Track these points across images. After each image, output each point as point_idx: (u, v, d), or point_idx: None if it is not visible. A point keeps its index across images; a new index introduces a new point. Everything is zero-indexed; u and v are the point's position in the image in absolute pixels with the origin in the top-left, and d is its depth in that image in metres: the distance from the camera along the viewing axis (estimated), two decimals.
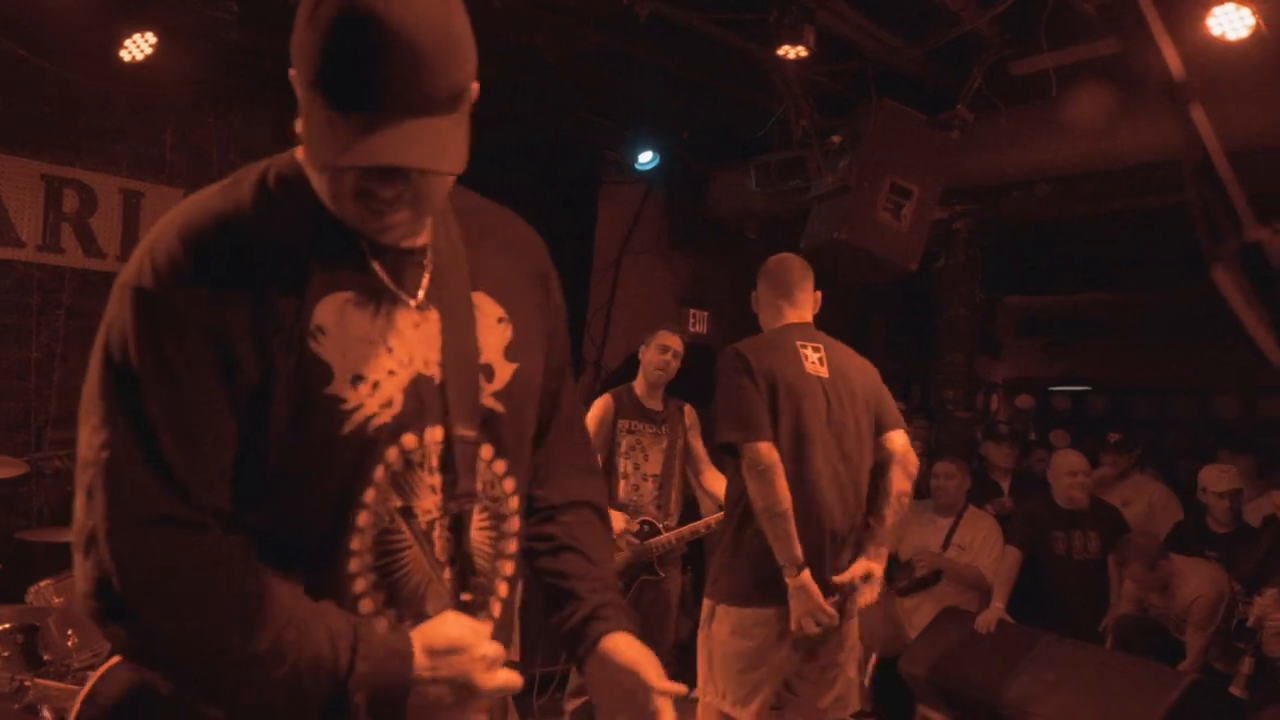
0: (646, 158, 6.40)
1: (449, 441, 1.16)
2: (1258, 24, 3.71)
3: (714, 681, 2.93)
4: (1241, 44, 3.82)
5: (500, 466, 1.23)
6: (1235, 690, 3.78)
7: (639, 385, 4.32)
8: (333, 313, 1.11)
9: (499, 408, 1.22)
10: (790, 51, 4.14)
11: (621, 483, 4.14)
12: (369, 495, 1.11)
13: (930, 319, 6.40)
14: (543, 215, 6.28)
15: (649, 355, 4.30)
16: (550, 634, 1.35)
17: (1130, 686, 3.76)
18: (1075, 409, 10.64)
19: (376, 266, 1.16)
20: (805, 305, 3.22)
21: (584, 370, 7.04)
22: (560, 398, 1.44)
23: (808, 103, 4.84)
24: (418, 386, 1.14)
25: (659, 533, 4.11)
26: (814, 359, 3.03)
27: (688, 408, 4.41)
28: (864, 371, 3.12)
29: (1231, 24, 3.75)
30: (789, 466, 2.82)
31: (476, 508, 1.19)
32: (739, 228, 6.76)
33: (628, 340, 7.22)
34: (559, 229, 6.38)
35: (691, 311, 7.63)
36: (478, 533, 1.19)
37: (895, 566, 5.12)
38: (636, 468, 4.18)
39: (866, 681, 5.04)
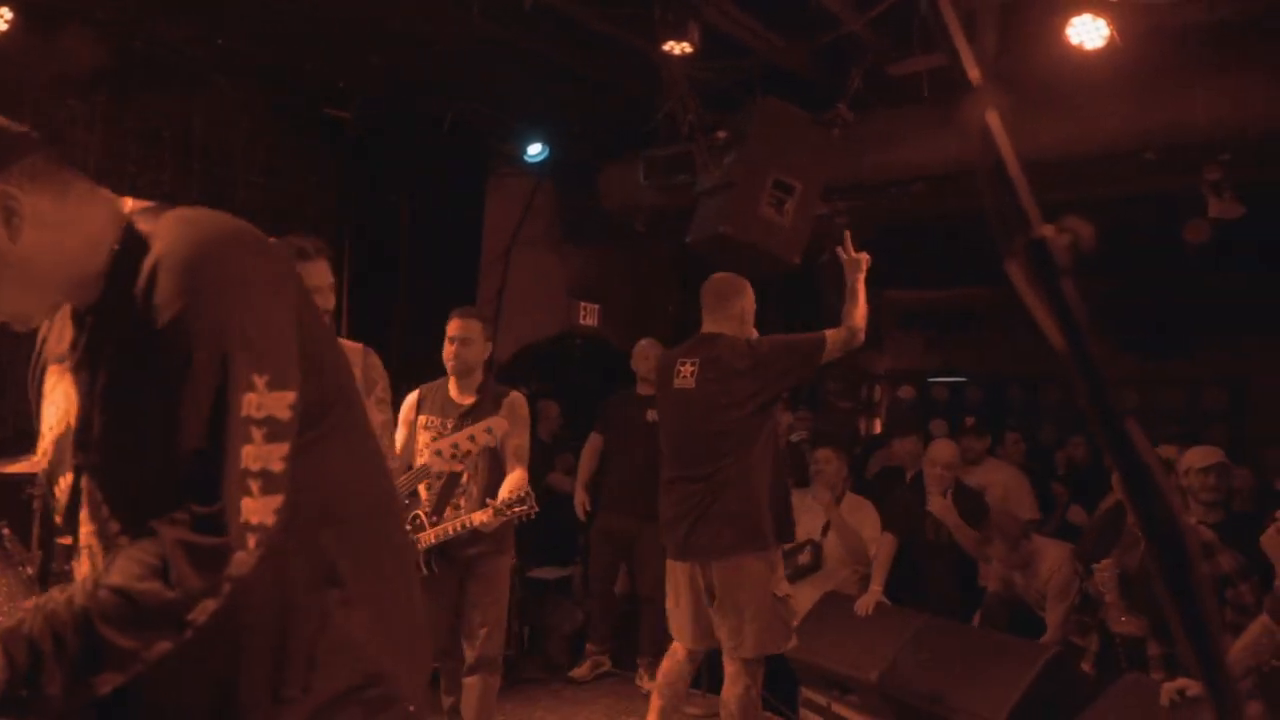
0: (536, 149, 6.38)
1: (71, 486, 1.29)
2: (1112, 34, 3.94)
3: None
4: (1098, 54, 4.05)
5: (104, 510, 1.27)
6: (1085, 666, 4.01)
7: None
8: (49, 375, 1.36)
9: (93, 458, 1.28)
10: (676, 47, 4.20)
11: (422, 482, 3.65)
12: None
13: (817, 312, 6.58)
14: (431, 205, 6.25)
15: (446, 349, 3.81)
16: None
17: (997, 662, 3.96)
18: (953, 399, 11.09)
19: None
20: (713, 320, 3.85)
21: None
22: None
23: (694, 98, 4.91)
24: (60, 440, 1.31)
25: (423, 529, 3.59)
26: (684, 373, 3.75)
27: (513, 398, 3.84)
28: (728, 387, 3.65)
29: (1088, 34, 3.97)
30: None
31: (100, 544, 1.26)
32: (629, 220, 6.81)
33: (518, 333, 7.20)
34: (447, 219, 6.38)
35: (582, 304, 7.65)
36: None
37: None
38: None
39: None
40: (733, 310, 3.78)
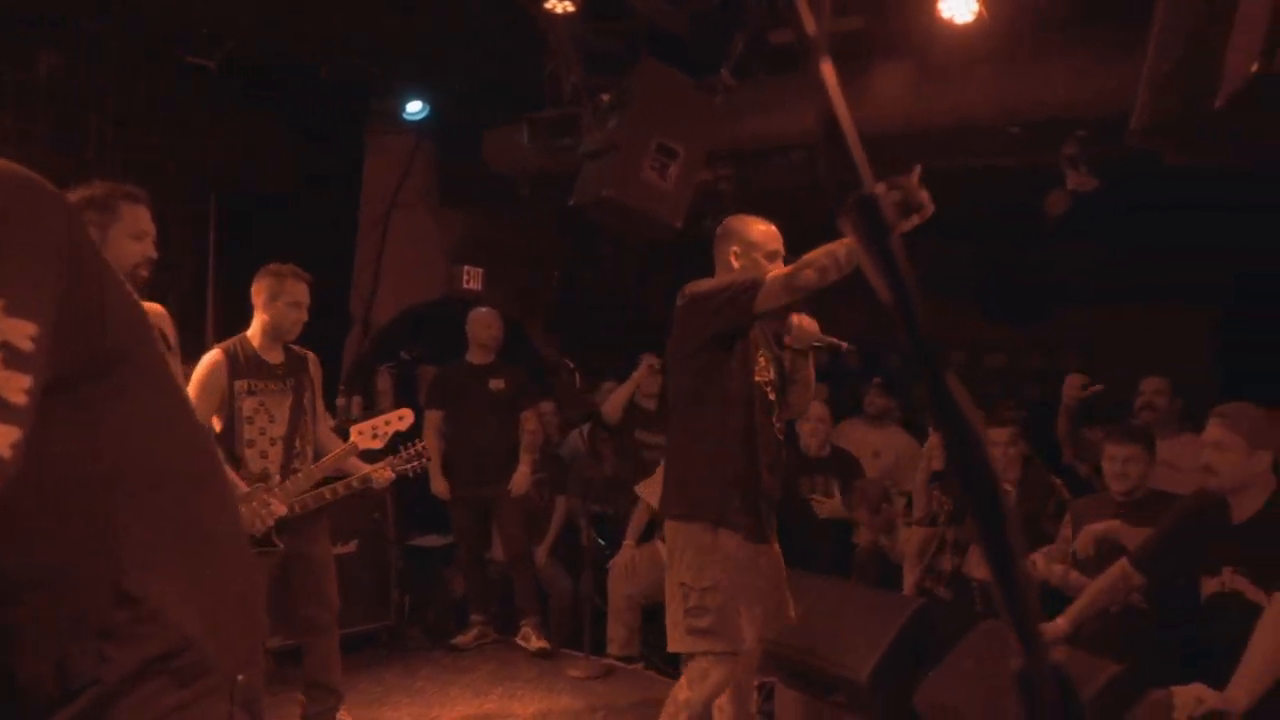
0: (415, 108, 6.22)
1: None
2: (981, 10, 4.06)
3: None
4: (968, 28, 4.18)
5: None
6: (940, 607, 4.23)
7: (257, 337, 3.83)
8: None
9: None
10: (558, 6, 4.14)
11: (248, 451, 3.72)
12: None
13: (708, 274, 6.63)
14: (304, 162, 6.02)
15: (282, 310, 3.81)
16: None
17: (867, 613, 4.11)
18: (832, 364, 11.39)
19: None
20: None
21: (352, 326, 6.80)
22: None
23: (577, 60, 4.86)
24: None
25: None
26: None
27: (312, 357, 4.00)
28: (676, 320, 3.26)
29: (958, 9, 4.09)
30: None
31: None
32: (513, 183, 6.71)
33: (397, 296, 7.05)
34: (322, 177, 6.15)
35: (465, 268, 7.52)
36: None
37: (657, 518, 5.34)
38: (263, 432, 3.75)
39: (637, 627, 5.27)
40: (722, 253, 3.22)
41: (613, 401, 5.78)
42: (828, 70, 0.60)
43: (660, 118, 4.66)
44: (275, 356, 3.85)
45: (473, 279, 7.52)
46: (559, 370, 5.43)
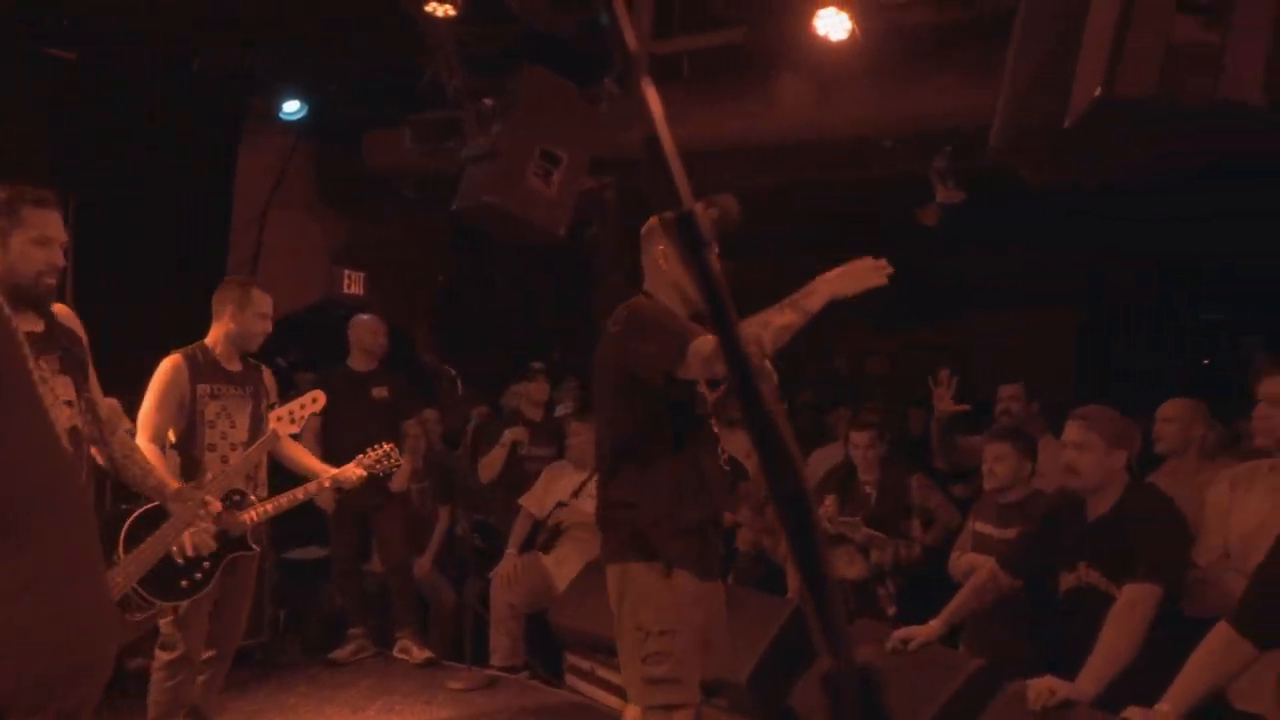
0: (293, 106, 6.05)
1: None
2: (854, 29, 4.20)
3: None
4: (842, 45, 4.31)
5: None
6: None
7: (219, 345, 3.79)
8: None
9: None
10: (439, 9, 4.09)
11: (208, 455, 3.67)
12: None
13: (586, 286, 6.67)
14: (173, 161, 5.75)
15: (249, 320, 3.80)
16: None
17: (747, 616, 4.18)
18: None
19: None
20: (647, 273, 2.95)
21: None
22: None
23: (459, 63, 4.81)
24: None
25: (250, 504, 3.64)
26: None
27: (266, 369, 4.03)
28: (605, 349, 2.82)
29: (833, 26, 4.21)
30: None
31: None
32: (396, 185, 6.59)
33: (275, 301, 6.81)
34: (193, 177, 5.92)
35: (346, 271, 7.36)
36: None
37: (539, 528, 5.32)
38: (224, 437, 3.73)
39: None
40: (650, 254, 2.91)
41: (489, 463, 5.71)
42: (648, 87, 0.61)
43: (544, 124, 4.65)
44: (235, 365, 3.83)
45: (354, 283, 7.36)
46: (441, 378, 5.36)
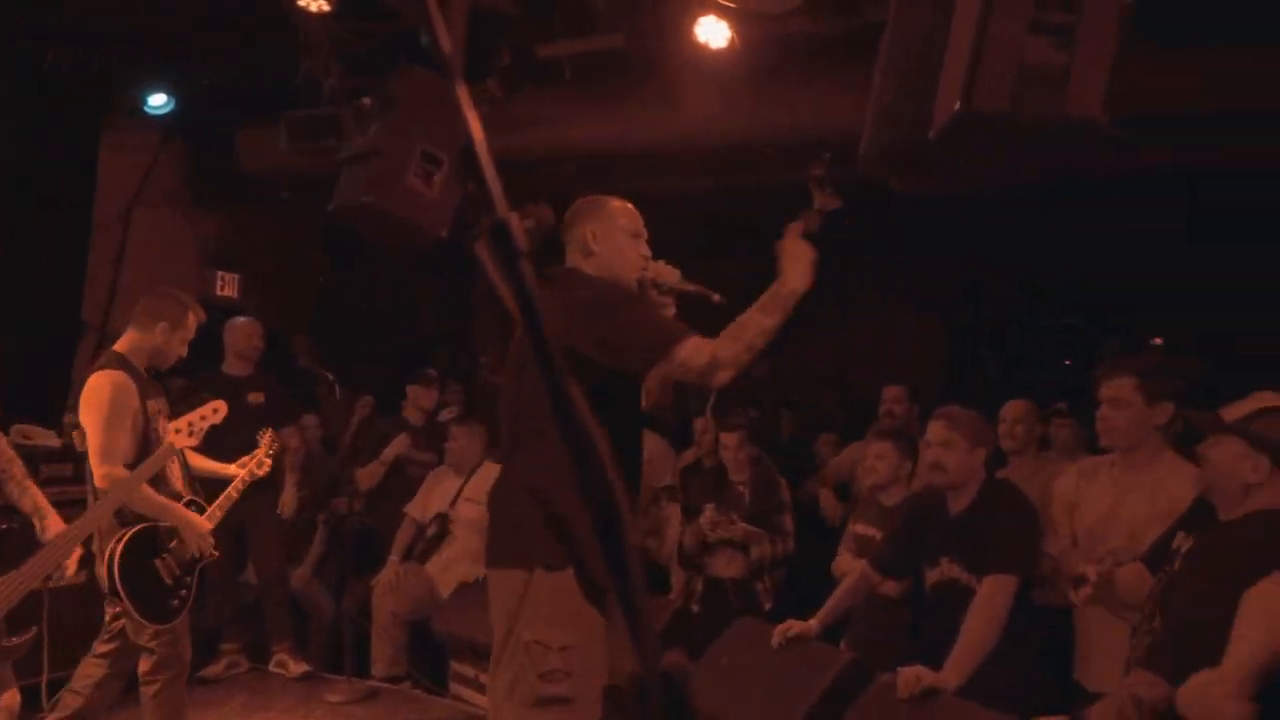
0: (159, 100, 5.79)
1: None
2: (733, 37, 4.27)
3: None
4: (722, 53, 4.38)
5: None
6: (693, 606, 4.42)
7: (137, 357, 3.63)
8: None
9: None
10: (311, 4, 3.97)
11: (169, 472, 3.58)
12: None
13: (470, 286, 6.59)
14: (28, 156, 5.44)
15: (176, 343, 3.71)
16: None
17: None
18: None
19: None
20: (566, 254, 2.76)
21: (85, 335, 6.23)
22: None
23: (336, 60, 4.68)
24: None
25: (204, 509, 3.65)
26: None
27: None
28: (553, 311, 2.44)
29: (713, 34, 4.27)
30: None
31: None
32: (271, 185, 6.38)
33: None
34: (48, 173, 5.60)
35: (220, 273, 7.09)
36: None
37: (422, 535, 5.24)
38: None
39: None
40: (575, 236, 2.72)
41: (368, 475, 5.59)
42: (463, 92, 0.61)
43: (425, 125, 4.55)
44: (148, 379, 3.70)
45: (227, 285, 7.10)
46: (319, 382, 5.21)
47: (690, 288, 2.84)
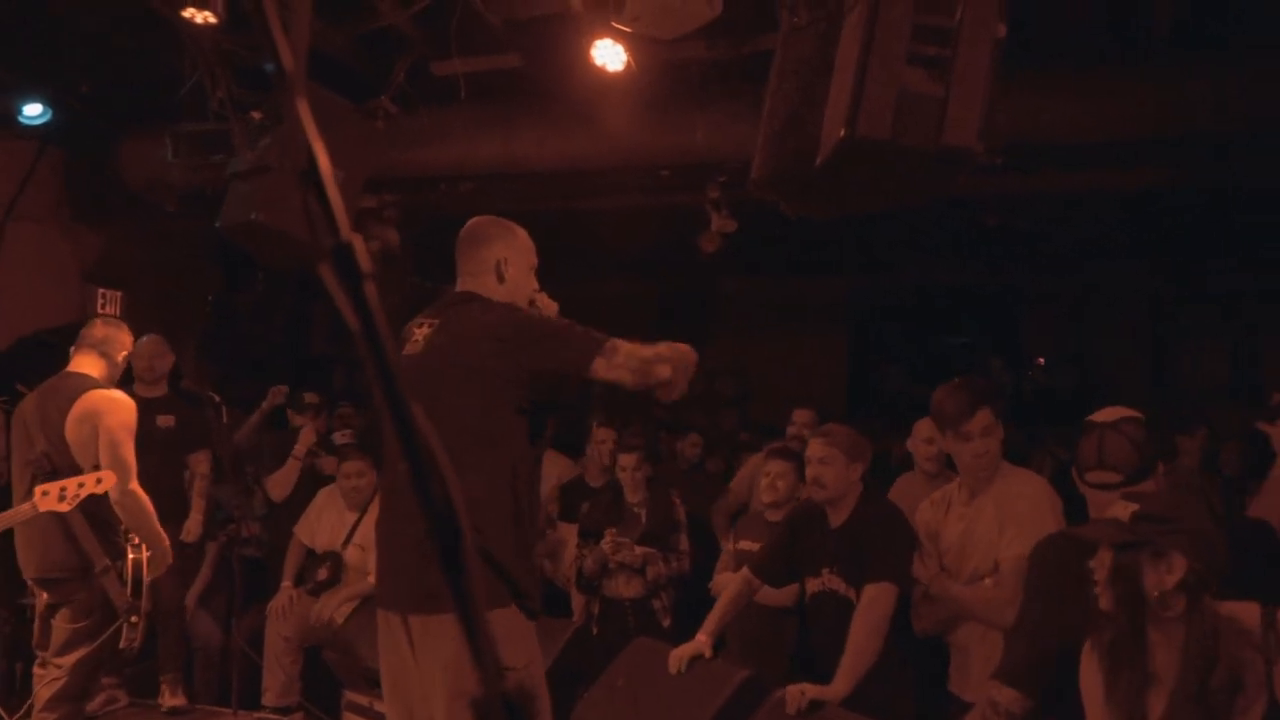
0: (35, 110, 5.54)
1: None
2: (629, 61, 4.32)
3: None
4: (619, 76, 4.42)
5: None
6: (594, 628, 4.42)
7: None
8: None
9: None
10: (197, 15, 3.87)
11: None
12: None
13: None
14: None
15: (118, 369, 3.96)
16: None
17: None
18: None
19: None
20: (464, 275, 2.72)
21: None
22: None
23: (225, 73, 4.57)
24: None
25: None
26: (416, 337, 2.60)
27: None
28: (464, 349, 2.52)
29: (610, 57, 4.32)
30: None
31: None
32: (156, 199, 6.16)
33: (15, 321, 6.21)
34: None
35: (101, 291, 6.79)
36: None
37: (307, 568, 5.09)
38: None
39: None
40: (484, 259, 2.68)
41: (282, 476, 5.50)
42: (304, 109, 0.61)
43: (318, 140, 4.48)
44: None
45: (110, 303, 6.82)
46: (204, 405, 5.05)
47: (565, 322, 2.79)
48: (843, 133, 2.80)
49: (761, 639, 3.93)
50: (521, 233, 2.77)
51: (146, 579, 3.63)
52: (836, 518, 3.31)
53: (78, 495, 3.31)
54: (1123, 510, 2.06)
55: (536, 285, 2.77)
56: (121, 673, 4.93)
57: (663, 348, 2.51)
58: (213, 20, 3.91)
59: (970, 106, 2.73)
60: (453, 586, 0.56)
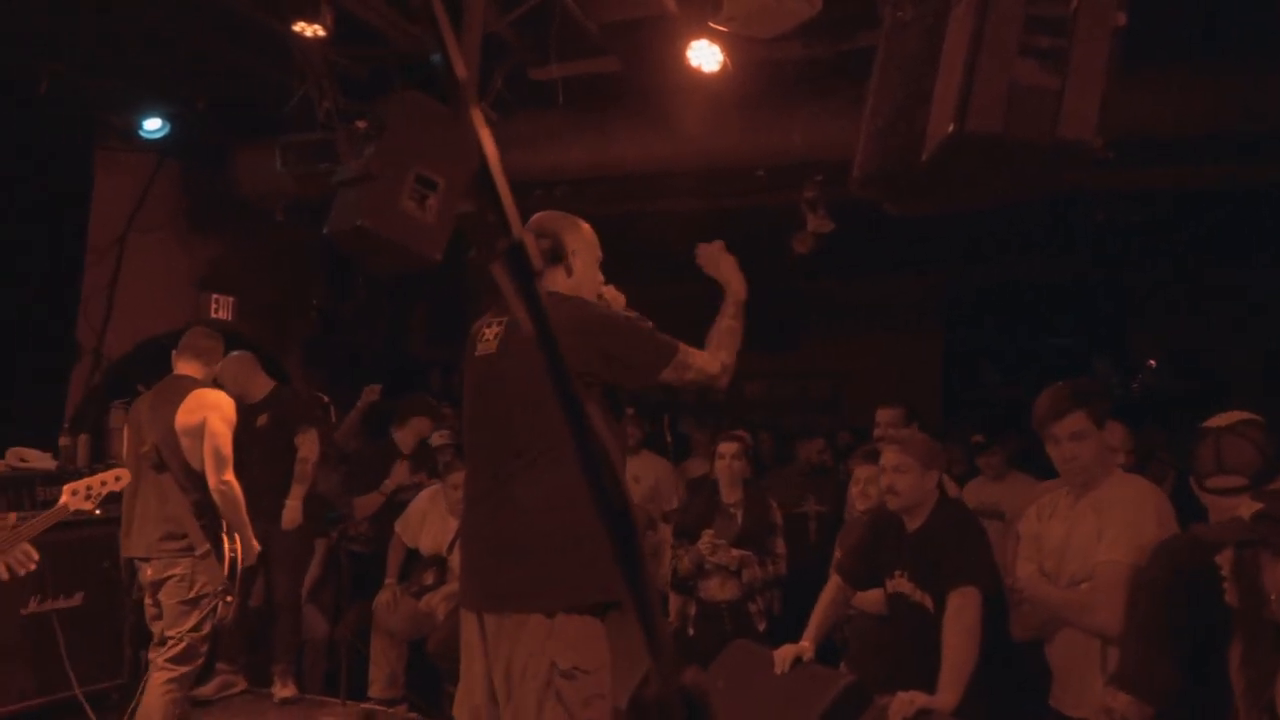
0: (154, 124, 5.81)
1: None
2: (725, 61, 4.31)
3: None
4: (714, 77, 4.42)
5: None
6: (690, 630, 4.40)
7: None
8: None
9: None
10: (307, 29, 4.00)
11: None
12: None
13: (462, 313, 6.60)
14: (21, 181, 5.46)
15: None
16: None
17: (627, 639, 4.19)
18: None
19: None
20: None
21: (80, 358, 6.22)
22: None
23: (332, 84, 4.71)
24: None
25: None
26: (487, 336, 2.64)
27: None
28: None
29: (706, 58, 4.31)
30: None
31: None
32: (266, 208, 6.40)
33: (135, 325, 6.52)
34: (41, 199, 5.61)
35: (214, 296, 7.09)
36: None
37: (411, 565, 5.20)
38: None
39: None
40: (555, 258, 2.69)
41: (368, 502, 5.64)
42: (477, 116, 0.62)
43: (419, 148, 4.57)
44: None
45: (222, 308, 7.10)
46: (315, 406, 5.21)
47: (632, 315, 2.83)
48: (951, 127, 2.73)
49: (865, 648, 3.88)
50: (586, 226, 2.77)
51: (241, 565, 3.94)
52: (912, 523, 3.30)
53: (100, 493, 3.60)
54: (1248, 509, 1.99)
55: (603, 278, 2.78)
56: (237, 660, 5.14)
57: (725, 355, 2.63)
58: (321, 33, 4.04)
59: (1088, 98, 2.63)
60: (629, 585, 0.57)
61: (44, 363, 5.70)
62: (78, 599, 4.69)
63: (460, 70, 0.62)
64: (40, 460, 4.86)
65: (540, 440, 2.42)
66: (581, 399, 0.58)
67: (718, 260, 2.85)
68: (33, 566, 3.22)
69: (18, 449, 4.79)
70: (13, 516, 3.44)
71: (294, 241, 6.87)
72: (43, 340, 5.71)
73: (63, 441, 5.38)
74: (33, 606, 4.55)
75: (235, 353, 5.27)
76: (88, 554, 4.63)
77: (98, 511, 3.63)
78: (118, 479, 3.69)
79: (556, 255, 2.65)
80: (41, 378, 5.68)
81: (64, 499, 3.51)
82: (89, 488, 3.55)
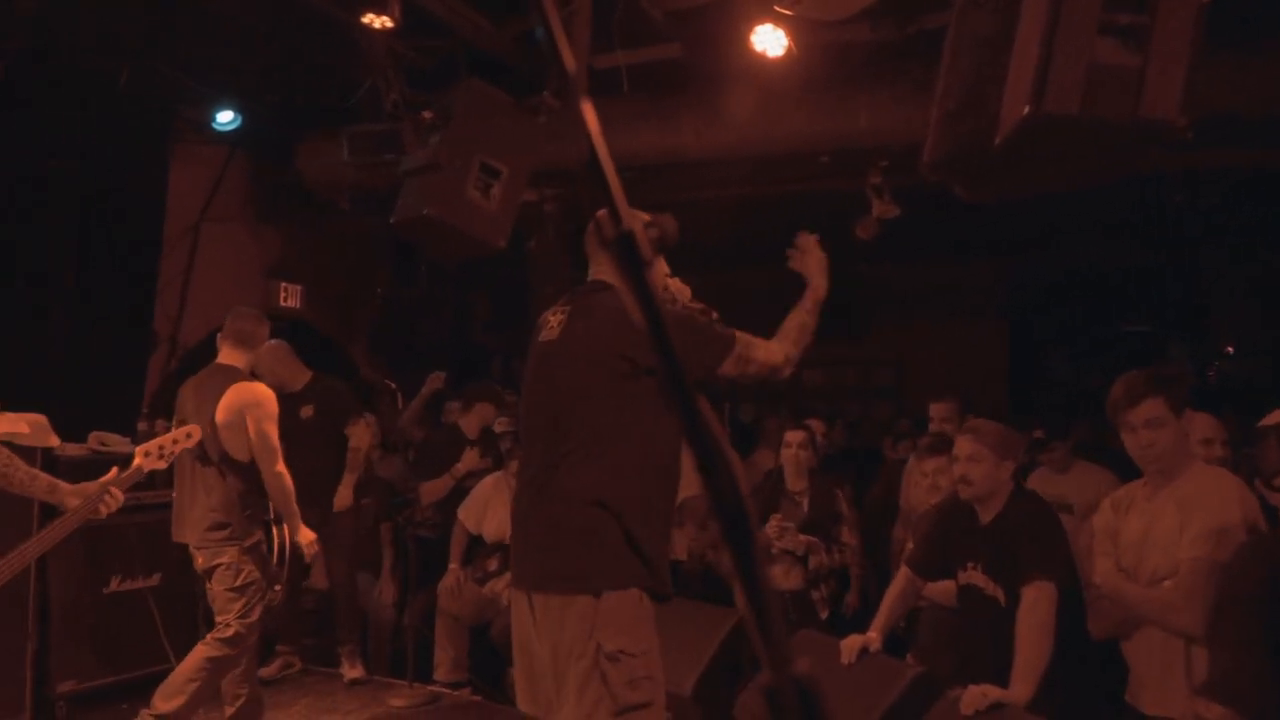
0: (227, 117, 5.94)
1: None
2: (790, 45, 4.26)
3: None
4: (779, 61, 4.37)
5: None
6: None
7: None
8: None
9: None
10: (376, 20, 4.05)
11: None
12: None
13: (526, 300, 6.64)
14: (101, 175, 5.62)
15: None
16: None
17: (690, 627, 4.19)
18: None
19: None
20: (596, 263, 2.75)
21: (157, 345, 6.40)
22: None
23: (398, 75, 4.77)
24: None
25: None
26: (551, 324, 2.67)
27: None
28: (597, 335, 2.54)
29: (770, 43, 4.27)
30: None
31: None
32: (332, 198, 6.51)
33: (208, 314, 6.68)
34: (121, 189, 5.78)
35: (282, 285, 7.24)
36: None
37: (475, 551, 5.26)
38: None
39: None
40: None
41: (435, 487, 5.61)
42: (587, 108, 0.62)
43: (483, 137, 4.62)
44: None
45: (290, 296, 7.25)
46: (381, 392, 5.27)
47: (698, 306, 2.86)
48: (1027, 109, 2.67)
49: (936, 639, 3.83)
50: (648, 218, 2.73)
51: (289, 554, 4.01)
52: (986, 514, 3.21)
53: (172, 451, 3.63)
54: None
55: (668, 270, 2.78)
56: (297, 642, 5.26)
57: (792, 349, 2.68)
58: (389, 24, 4.09)
59: (1171, 76, 2.55)
60: (743, 580, 0.57)
61: (123, 350, 5.89)
62: (155, 579, 4.83)
63: (569, 62, 0.62)
64: (120, 444, 5.01)
65: (587, 429, 2.47)
66: (695, 398, 0.58)
67: (809, 253, 2.86)
68: (115, 506, 3.29)
69: (99, 433, 4.95)
70: (114, 471, 3.49)
71: (359, 231, 6.98)
72: (122, 329, 5.89)
73: (141, 426, 5.56)
74: (114, 585, 4.70)
75: (271, 342, 5.32)
76: (165, 535, 4.77)
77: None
78: (189, 435, 3.70)
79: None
80: (121, 365, 5.86)
81: (137, 460, 3.54)
82: (160, 447, 3.58)
